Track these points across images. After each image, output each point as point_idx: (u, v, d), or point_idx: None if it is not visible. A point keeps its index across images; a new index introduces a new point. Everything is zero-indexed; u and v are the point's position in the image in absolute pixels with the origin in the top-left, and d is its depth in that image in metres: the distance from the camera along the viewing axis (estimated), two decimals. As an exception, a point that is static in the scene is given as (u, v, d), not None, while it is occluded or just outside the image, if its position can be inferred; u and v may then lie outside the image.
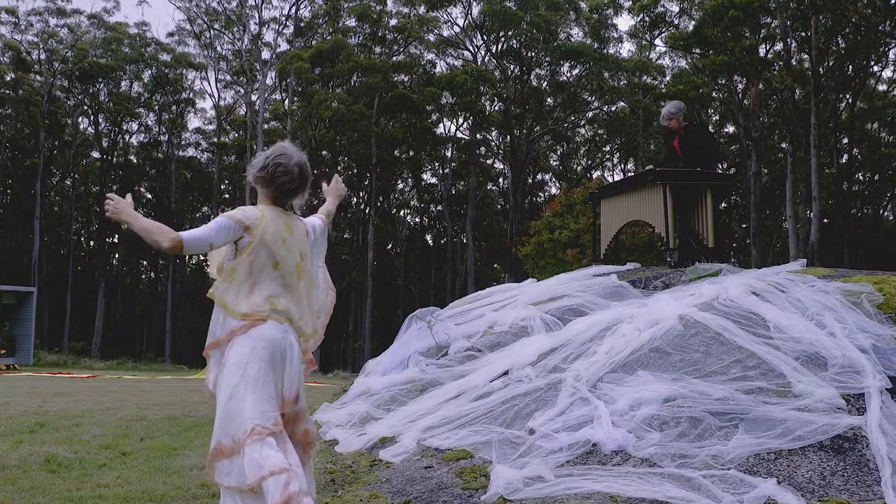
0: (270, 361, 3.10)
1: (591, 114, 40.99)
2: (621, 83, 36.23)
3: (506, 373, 5.56)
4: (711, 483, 3.69)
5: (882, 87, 35.04)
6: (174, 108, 44.15)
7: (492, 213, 45.18)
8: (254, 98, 40.84)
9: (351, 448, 5.26)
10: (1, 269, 37.10)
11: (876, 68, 31.47)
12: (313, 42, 40.28)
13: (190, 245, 3.03)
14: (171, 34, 44.52)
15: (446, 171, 42.89)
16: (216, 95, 46.44)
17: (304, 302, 3.29)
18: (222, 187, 47.35)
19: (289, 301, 3.20)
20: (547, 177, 47.52)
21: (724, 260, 7.40)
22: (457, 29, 39.53)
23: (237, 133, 44.80)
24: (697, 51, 27.90)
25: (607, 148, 43.59)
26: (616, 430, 4.28)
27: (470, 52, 40.05)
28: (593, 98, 39.50)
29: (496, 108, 38.87)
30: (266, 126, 40.70)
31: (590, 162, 45.18)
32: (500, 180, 45.91)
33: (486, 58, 39.21)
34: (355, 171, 42.44)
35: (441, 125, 42.42)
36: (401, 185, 47.26)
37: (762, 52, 27.73)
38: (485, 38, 38.41)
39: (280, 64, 38.53)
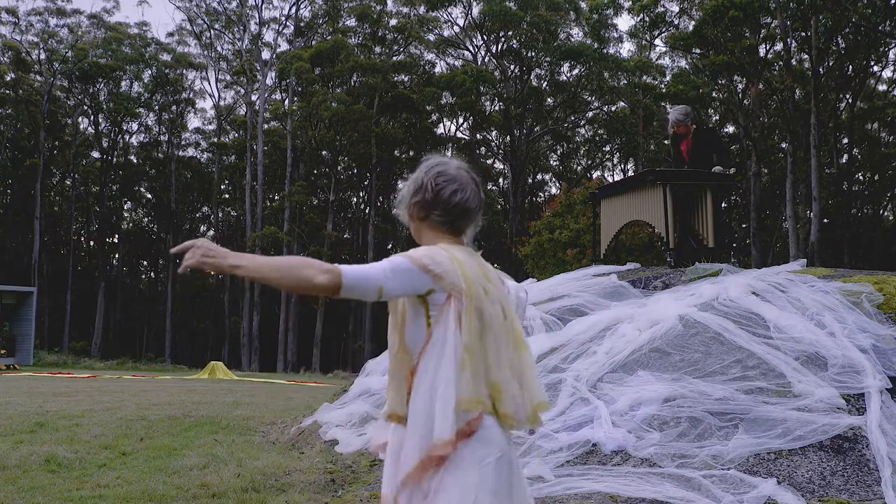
0: (500, 493, 2.09)
1: (591, 114, 41.01)
2: (621, 83, 36.23)
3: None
4: (711, 483, 3.69)
5: (882, 87, 35.06)
6: (174, 108, 44.16)
7: (492, 213, 45.18)
8: (254, 98, 40.85)
9: (351, 448, 5.26)
10: (1, 269, 37.12)
11: (876, 68, 31.49)
12: (313, 42, 40.30)
13: (351, 284, 2.01)
14: (171, 34, 44.63)
15: (446, 171, 42.83)
16: (216, 95, 46.52)
17: (515, 381, 2.20)
18: (222, 187, 47.36)
19: (501, 383, 2.16)
20: (547, 177, 47.56)
21: (724, 260, 7.39)
22: (457, 29, 39.57)
23: (237, 133, 44.81)
24: (697, 51, 27.90)
25: (607, 148, 43.60)
26: (616, 430, 4.27)
27: (470, 52, 40.07)
28: (593, 98, 39.52)
29: (496, 108, 38.88)
30: (266, 126, 40.72)
31: (590, 162, 45.19)
32: (500, 180, 45.93)
33: (486, 58, 39.23)
34: (355, 171, 42.45)
35: (441, 125, 42.47)
36: (401, 185, 47.20)
37: (762, 52, 27.74)
38: (485, 38, 38.41)
39: (280, 64, 38.54)
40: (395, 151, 41.81)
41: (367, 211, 41.82)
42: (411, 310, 2.15)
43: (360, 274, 2.02)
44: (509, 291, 2.37)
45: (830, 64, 26.64)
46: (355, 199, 45.20)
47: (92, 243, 46.02)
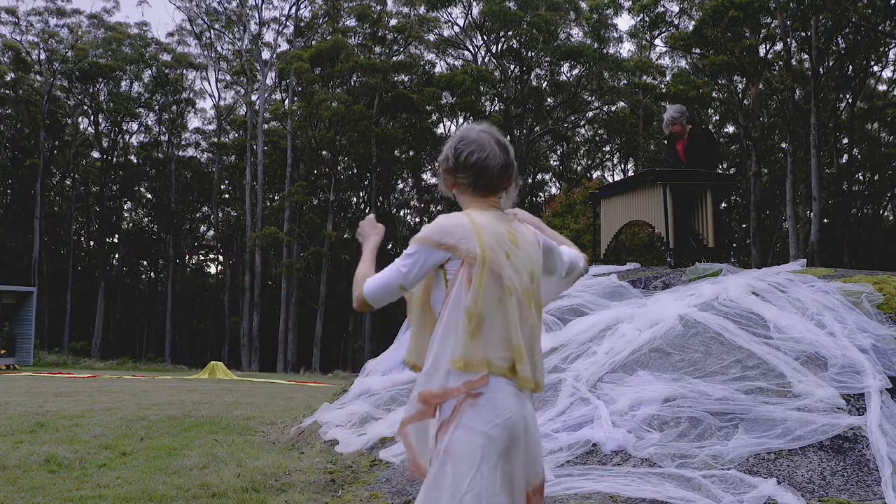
0: (507, 454, 2.16)
1: (591, 114, 41.02)
2: (621, 83, 36.24)
3: (506, 373, 5.53)
4: (711, 483, 3.69)
5: (882, 87, 35.07)
6: (174, 108, 44.17)
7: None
8: (254, 98, 40.86)
9: (351, 448, 5.26)
10: (1, 269, 37.12)
11: (876, 68, 31.50)
12: (313, 42, 40.31)
13: (374, 296, 2.21)
14: (171, 34, 44.64)
15: (446, 171, 42.85)
16: (216, 95, 46.54)
17: (538, 344, 2.31)
18: (222, 187, 47.36)
19: (524, 346, 2.22)
20: (547, 177, 47.56)
21: (724, 260, 7.39)
22: (457, 29, 39.58)
23: (237, 133, 44.82)
24: (697, 51, 27.90)
25: (607, 148, 43.61)
26: (616, 430, 4.27)
27: (470, 52, 40.08)
28: (593, 98, 39.53)
29: (496, 108, 38.88)
30: (266, 126, 40.72)
31: (590, 162, 45.19)
32: (500, 180, 45.85)
33: (486, 58, 39.24)
34: (355, 171, 42.46)
35: (441, 125, 42.46)
36: (401, 185, 47.29)
37: (762, 52, 27.74)
38: (485, 38, 38.42)
39: (280, 64, 38.55)
40: (395, 151, 41.81)
41: (367, 211, 41.81)
42: (433, 272, 2.28)
43: (378, 283, 2.22)
44: (561, 259, 2.48)
45: (830, 64, 26.64)
46: (355, 199, 45.21)
47: (92, 243, 46.03)
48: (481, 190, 2.33)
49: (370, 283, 2.22)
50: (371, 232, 2.48)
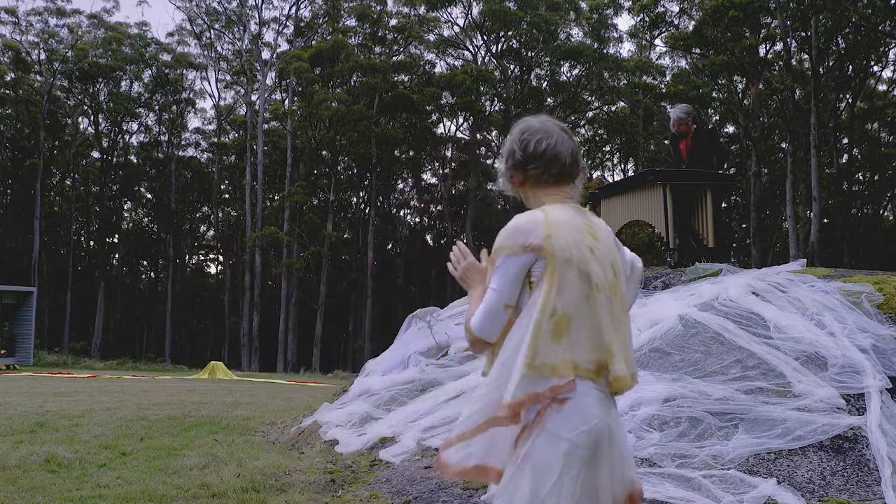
0: (591, 463, 2.04)
1: (591, 114, 41.03)
2: (621, 83, 36.25)
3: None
4: (711, 483, 3.69)
5: (882, 87, 35.08)
6: (174, 108, 44.17)
7: (492, 213, 45.20)
8: (254, 98, 40.86)
9: (351, 448, 5.26)
10: (1, 269, 37.12)
11: (876, 68, 31.51)
12: (313, 42, 40.32)
13: (481, 328, 2.09)
14: (171, 34, 44.66)
15: (446, 171, 42.90)
16: (216, 95, 46.57)
17: (630, 339, 2.19)
18: (222, 187, 47.37)
19: (615, 343, 2.10)
20: (547, 177, 47.50)
21: (724, 260, 7.38)
22: (457, 29, 39.58)
23: (237, 133, 44.82)
24: (697, 51, 27.90)
25: (607, 148, 43.63)
26: (616, 430, 4.27)
27: (470, 52, 40.08)
28: (593, 98, 39.54)
29: (496, 108, 38.88)
30: (266, 126, 40.73)
31: (590, 162, 45.18)
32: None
33: (486, 58, 39.25)
34: (355, 171, 42.46)
35: (441, 125, 42.47)
36: (401, 185, 47.30)
37: (762, 52, 27.75)
38: (485, 38, 38.43)
39: (280, 64, 38.56)
40: (395, 151, 41.81)
41: (367, 211, 41.82)
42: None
43: (481, 315, 2.09)
44: (625, 258, 2.35)
45: (830, 64, 26.64)
46: (355, 199, 45.22)
47: (92, 243, 46.03)
48: (555, 179, 2.20)
49: (474, 319, 2.09)
50: (476, 279, 2.23)
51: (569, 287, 2.04)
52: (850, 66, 28.09)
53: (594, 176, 41.59)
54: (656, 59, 36.93)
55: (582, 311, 2.05)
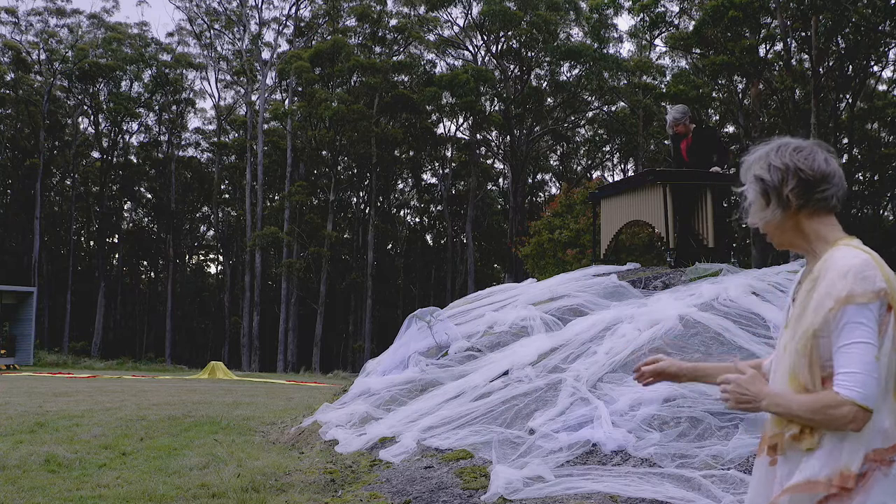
0: None
1: (591, 114, 41.01)
2: (621, 83, 36.23)
3: (506, 373, 5.56)
4: (711, 483, 3.69)
5: (882, 87, 35.07)
6: (174, 108, 44.16)
7: (492, 213, 45.20)
8: (254, 98, 40.86)
9: (351, 448, 5.26)
10: (1, 269, 37.12)
11: (876, 68, 31.50)
12: (313, 42, 40.31)
13: (869, 395, 1.72)
14: (171, 34, 44.58)
15: (446, 171, 42.91)
16: (216, 95, 46.50)
17: None
18: (222, 187, 47.37)
19: None
20: (547, 177, 47.57)
21: (724, 260, 7.38)
22: (457, 29, 39.57)
23: (237, 133, 44.82)
24: (697, 51, 27.89)
25: (607, 148, 43.61)
26: (616, 430, 4.28)
27: (470, 52, 40.07)
28: (593, 98, 39.51)
29: (496, 108, 38.88)
30: (266, 126, 40.73)
31: (590, 162, 45.19)
32: (500, 180, 45.94)
33: (486, 58, 39.24)
34: (355, 171, 42.45)
35: (441, 125, 42.47)
36: (401, 185, 47.28)
37: (762, 52, 27.73)
38: (485, 38, 38.42)
39: (280, 64, 38.55)
40: (395, 151, 41.81)
41: (367, 211, 41.82)
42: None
43: (867, 380, 1.74)
44: None
45: (830, 64, 26.64)
46: (355, 199, 45.20)
47: (92, 243, 46.03)
48: (839, 203, 1.87)
49: (861, 385, 1.71)
50: (763, 394, 1.83)
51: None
52: (850, 66, 28.08)
53: (594, 176, 41.61)
54: (656, 59, 36.92)
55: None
